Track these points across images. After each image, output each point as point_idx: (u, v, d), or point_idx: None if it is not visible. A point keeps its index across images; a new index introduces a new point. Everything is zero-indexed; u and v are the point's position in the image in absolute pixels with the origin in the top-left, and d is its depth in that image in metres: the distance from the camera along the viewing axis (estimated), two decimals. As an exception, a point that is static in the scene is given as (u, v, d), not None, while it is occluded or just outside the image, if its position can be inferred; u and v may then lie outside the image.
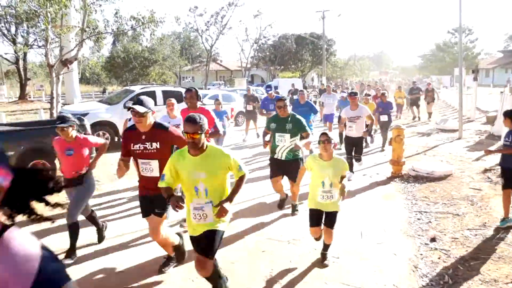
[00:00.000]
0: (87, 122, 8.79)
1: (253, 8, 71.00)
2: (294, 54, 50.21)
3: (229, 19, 40.28)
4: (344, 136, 8.00)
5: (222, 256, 3.96)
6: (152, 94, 11.80)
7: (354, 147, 7.57)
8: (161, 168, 3.48)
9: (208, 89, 34.36)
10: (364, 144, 8.88)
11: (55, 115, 12.30)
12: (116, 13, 15.09)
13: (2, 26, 29.82)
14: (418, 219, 5.46)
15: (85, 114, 10.23)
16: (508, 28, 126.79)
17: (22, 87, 32.55)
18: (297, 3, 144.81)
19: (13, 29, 30.80)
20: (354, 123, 7.41)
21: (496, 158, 8.72)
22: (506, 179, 4.89)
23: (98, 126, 10.73)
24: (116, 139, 11.21)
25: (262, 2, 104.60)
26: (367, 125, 7.83)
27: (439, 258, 4.24)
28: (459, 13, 11.75)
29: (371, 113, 7.86)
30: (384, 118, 10.55)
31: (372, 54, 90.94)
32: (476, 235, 4.78)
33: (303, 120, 5.55)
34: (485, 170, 7.60)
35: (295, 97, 14.48)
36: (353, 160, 7.64)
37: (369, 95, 11.56)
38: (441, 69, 58.57)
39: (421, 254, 4.36)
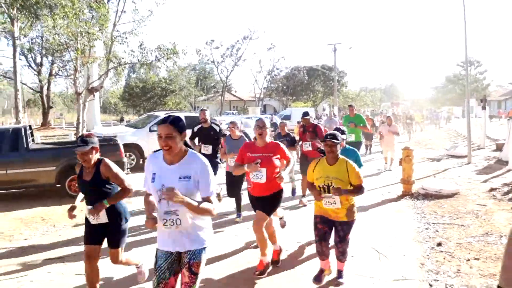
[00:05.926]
0: (120, 142, 9.54)
1: (267, 41, 73.37)
2: (306, 85, 51.47)
3: (244, 51, 41.85)
4: None
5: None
6: (175, 119, 12.61)
7: None
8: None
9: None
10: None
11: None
12: (140, 45, 16.21)
13: (29, 57, 31.58)
14: (426, 228, 5.93)
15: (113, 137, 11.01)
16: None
17: (45, 114, 33.88)
18: (309, 36, 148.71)
19: (38, 59, 32.50)
20: None
21: (503, 179, 9.17)
22: None
23: (125, 148, 11.45)
24: (141, 161, 11.92)
25: (276, 36, 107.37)
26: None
27: (444, 259, 4.70)
28: (465, 47, 12.48)
29: None
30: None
31: (384, 86, 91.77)
32: (478, 241, 5.23)
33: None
34: (491, 189, 8.02)
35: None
36: None
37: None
38: (452, 100, 59.10)
39: (427, 255, 4.83)
